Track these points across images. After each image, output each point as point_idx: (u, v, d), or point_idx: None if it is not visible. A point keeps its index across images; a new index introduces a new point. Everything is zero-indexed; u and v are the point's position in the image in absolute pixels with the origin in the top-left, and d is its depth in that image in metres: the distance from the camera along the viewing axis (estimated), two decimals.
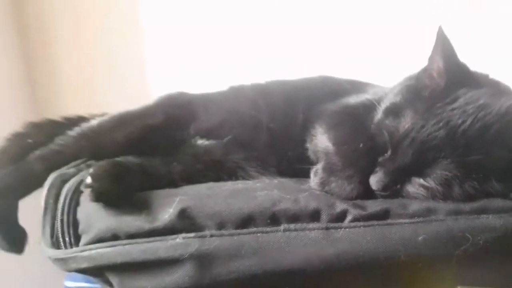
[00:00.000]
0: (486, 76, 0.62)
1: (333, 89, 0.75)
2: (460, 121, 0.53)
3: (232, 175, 0.69)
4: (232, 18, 1.18)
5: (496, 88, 0.58)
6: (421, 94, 0.58)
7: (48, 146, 0.74)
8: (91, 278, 0.61)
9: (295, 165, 0.67)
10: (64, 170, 0.65)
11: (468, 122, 0.53)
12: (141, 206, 0.57)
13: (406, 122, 0.56)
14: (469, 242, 0.50)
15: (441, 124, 0.53)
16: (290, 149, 0.69)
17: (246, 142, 0.72)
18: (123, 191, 0.58)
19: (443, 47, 0.57)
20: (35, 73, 1.27)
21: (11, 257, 0.72)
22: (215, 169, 0.69)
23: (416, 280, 0.54)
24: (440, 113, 0.54)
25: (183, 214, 0.55)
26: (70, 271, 0.58)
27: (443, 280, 0.54)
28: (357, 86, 0.76)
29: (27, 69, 1.26)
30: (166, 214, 0.55)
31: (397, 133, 0.56)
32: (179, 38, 1.21)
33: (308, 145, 0.68)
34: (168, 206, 0.56)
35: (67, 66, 1.27)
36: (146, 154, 0.71)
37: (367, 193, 0.58)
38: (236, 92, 0.79)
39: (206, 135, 0.73)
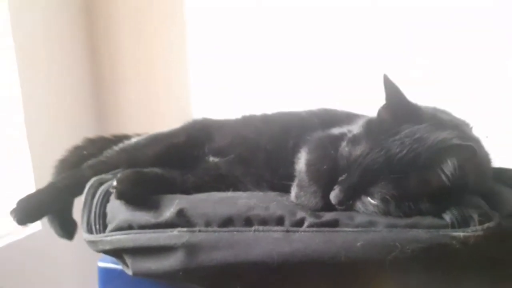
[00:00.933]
0: (430, 111, 0.72)
1: (325, 120, 0.87)
2: (397, 150, 0.64)
3: (233, 186, 0.83)
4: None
5: (434, 123, 0.67)
6: (375, 127, 0.70)
7: (97, 157, 0.94)
8: (115, 259, 0.79)
9: (284, 181, 0.80)
10: (103, 176, 0.84)
11: (404, 151, 0.63)
12: (152, 205, 0.74)
13: (358, 149, 0.68)
14: (398, 250, 0.60)
15: (382, 152, 0.65)
16: (281, 168, 0.83)
17: (247, 160, 0.86)
18: (141, 193, 0.76)
19: (387, 90, 0.68)
20: (102, 94, 1.53)
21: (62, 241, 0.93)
22: (220, 182, 0.84)
23: (358, 282, 0.66)
24: (383, 143, 0.65)
25: (180, 213, 0.71)
26: (98, 251, 0.76)
27: (383, 284, 0.65)
28: (351, 118, 0.88)
29: (95, 91, 1.53)
30: (168, 212, 0.71)
31: (351, 158, 0.68)
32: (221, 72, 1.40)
33: (295, 165, 0.81)
34: (171, 206, 0.72)
35: (130, 89, 1.52)
36: (169, 167, 0.89)
37: (330, 207, 0.71)
38: (245, 120, 0.96)
39: (217, 154, 0.89)
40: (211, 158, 0.89)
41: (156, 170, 0.86)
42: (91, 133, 1.08)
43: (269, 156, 0.86)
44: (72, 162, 0.97)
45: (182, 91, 1.44)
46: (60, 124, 1.36)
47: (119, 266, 0.80)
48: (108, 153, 0.93)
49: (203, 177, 0.86)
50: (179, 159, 0.90)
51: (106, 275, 0.84)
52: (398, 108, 0.68)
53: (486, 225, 0.60)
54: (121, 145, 0.95)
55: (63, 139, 1.04)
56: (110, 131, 1.13)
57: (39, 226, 1.22)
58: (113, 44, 1.51)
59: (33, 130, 1.26)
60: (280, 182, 0.80)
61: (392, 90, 0.68)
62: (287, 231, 0.66)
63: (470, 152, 0.61)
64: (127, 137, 1.00)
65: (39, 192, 0.88)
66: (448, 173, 0.61)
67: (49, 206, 0.88)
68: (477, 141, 0.73)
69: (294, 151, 0.82)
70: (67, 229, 0.92)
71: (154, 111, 1.35)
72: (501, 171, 0.79)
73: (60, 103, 1.39)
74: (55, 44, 1.38)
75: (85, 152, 0.98)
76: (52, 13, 1.37)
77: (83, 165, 0.92)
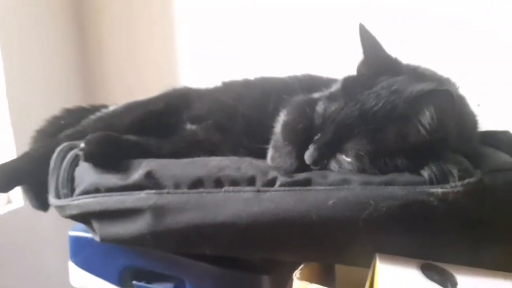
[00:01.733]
0: (412, 66, 0.68)
1: (309, 85, 0.83)
2: (373, 103, 0.60)
3: (209, 153, 0.80)
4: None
5: (414, 75, 0.64)
6: (352, 82, 0.66)
7: (75, 127, 0.91)
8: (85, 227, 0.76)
9: (263, 146, 0.76)
10: (76, 142, 0.81)
11: (380, 104, 0.60)
12: (121, 168, 0.71)
13: (333, 106, 0.64)
14: (372, 207, 0.57)
15: (357, 106, 0.61)
16: (260, 133, 0.79)
17: (225, 126, 0.83)
18: (110, 156, 0.73)
19: (363, 42, 0.65)
20: (88, 64, 1.52)
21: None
22: (196, 148, 0.81)
23: (333, 243, 0.62)
24: (358, 97, 0.62)
25: (149, 175, 0.68)
26: (66, 217, 0.74)
27: (359, 244, 0.61)
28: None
29: (82, 61, 1.51)
30: (136, 174, 0.69)
31: (325, 114, 0.64)
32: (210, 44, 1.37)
33: (274, 129, 0.78)
34: (140, 168, 0.69)
35: (117, 59, 1.51)
36: (147, 134, 0.86)
37: (306, 168, 0.67)
38: (226, 86, 0.92)
39: (195, 121, 0.86)
40: (189, 126, 0.86)
41: (131, 136, 0.83)
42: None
43: (248, 122, 0.83)
44: (49, 132, 0.94)
45: (170, 68, 1.41)
46: (44, 97, 1.34)
47: (90, 235, 0.77)
48: (85, 121, 0.91)
49: (179, 144, 0.83)
50: (156, 126, 0.87)
51: (76, 244, 0.82)
52: (375, 60, 0.64)
53: (466, 180, 0.56)
54: (98, 113, 0.92)
55: (47, 111, 1.02)
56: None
57: (21, 202, 1.20)
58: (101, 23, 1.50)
59: (15, 102, 1.23)
60: (258, 147, 0.77)
61: (368, 42, 0.64)
62: (258, 191, 0.63)
63: (447, 97, 0.56)
64: (105, 106, 0.97)
65: (13, 161, 0.86)
66: (425, 123, 0.57)
67: (24, 175, 0.85)
68: (461, 98, 0.69)
69: (274, 115, 0.78)
70: (41, 200, 0.89)
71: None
72: (489, 134, 0.75)
73: (45, 75, 1.37)
74: (39, 18, 1.36)
75: (62, 121, 0.95)
76: None
77: (60, 135, 0.90)
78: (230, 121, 0.84)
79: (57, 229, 1.16)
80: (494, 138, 0.73)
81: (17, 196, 1.20)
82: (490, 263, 0.59)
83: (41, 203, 0.89)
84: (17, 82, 1.26)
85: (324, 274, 0.70)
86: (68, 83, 1.48)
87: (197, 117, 0.86)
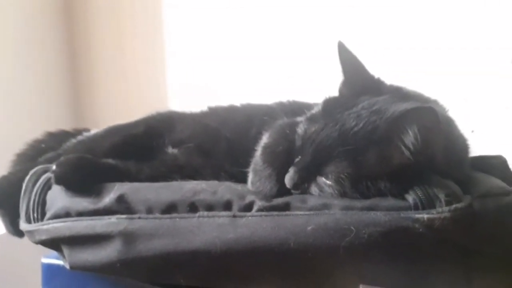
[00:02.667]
0: (395, 86, 0.65)
1: (293, 110, 0.80)
2: (353, 124, 0.57)
3: (190, 178, 0.76)
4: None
5: (397, 95, 0.61)
6: (332, 103, 0.64)
7: (56, 150, 0.89)
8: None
9: (245, 169, 0.73)
10: (50, 165, 0.78)
11: (361, 125, 0.57)
12: (93, 191, 0.67)
13: (313, 127, 0.61)
14: (353, 234, 0.53)
15: (337, 126, 0.58)
16: (242, 156, 0.76)
17: (207, 150, 0.80)
18: (84, 180, 0.69)
19: (343, 61, 0.62)
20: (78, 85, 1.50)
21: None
22: (176, 172, 0.77)
23: (313, 273, 0.58)
24: (338, 118, 0.59)
25: (120, 199, 0.65)
26: (36, 243, 0.70)
27: (341, 275, 0.57)
28: None
29: (72, 81, 1.50)
30: (108, 198, 0.65)
31: (305, 136, 0.61)
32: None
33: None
34: (112, 192, 0.66)
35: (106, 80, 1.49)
36: (127, 158, 0.83)
37: (286, 192, 0.63)
38: (211, 111, 0.90)
39: (176, 144, 0.83)
40: (171, 149, 0.83)
41: (110, 160, 0.80)
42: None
43: (231, 146, 0.80)
44: (30, 156, 0.92)
45: (160, 91, 1.40)
46: (29, 120, 1.32)
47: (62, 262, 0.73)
48: (66, 145, 0.88)
49: (159, 168, 0.79)
50: (137, 150, 0.84)
51: (49, 271, 0.78)
52: (356, 80, 0.62)
53: (454, 206, 0.52)
54: (79, 137, 0.90)
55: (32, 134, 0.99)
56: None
57: (2, 229, 1.16)
58: (91, 36, 1.51)
59: None
60: (239, 170, 0.73)
61: (348, 61, 0.62)
62: (234, 216, 0.59)
63: (431, 115, 0.53)
64: (87, 130, 0.95)
65: None
66: (409, 144, 0.54)
67: (0, 198, 0.82)
68: (450, 120, 0.65)
69: (257, 139, 0.75)
70: (17, 225, 0.86)
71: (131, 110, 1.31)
72: (481, 158, 0.71)
73: (31, 98, 1.35)
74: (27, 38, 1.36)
75: (43, 145, 0.93)
76: None
77: (40, 158, 0.87)
78: (213, 145, 0.81)
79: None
80: (486, 163, 0.70)
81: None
82: None
83: (17, 229, 0.85)
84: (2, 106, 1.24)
85: None
86: (56, 106, 1.46)
87: (179, 140, 0.83)
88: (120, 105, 1.49)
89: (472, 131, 0.93)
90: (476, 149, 0.76)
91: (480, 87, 0.95)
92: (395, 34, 1.05)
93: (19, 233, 0.85)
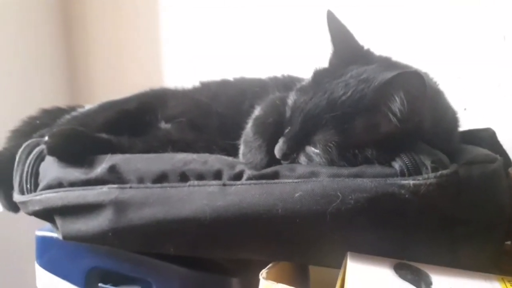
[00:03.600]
0: (384, 56, 0.65)
1: (287, 84, 0.81)
2: (341, 93, 0.57)
3: (182, 152, 0.77)
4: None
5: (385, 65, 0.61)
6: (322, 73, 0.64)
7: (50, 127, 0.89)
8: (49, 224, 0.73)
9: (236, 142, 0.74)
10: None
11: (348, 93, 0.57)
12: (85, 162, 0.68)
13: (302, 97, 0.61)
14: (339, 200, 0.53)
15: (325, 95, 0.58)
16: (234, 130, 0.77)
17: (199, 125, 0.81)
18: (76, 151, 0.70)
19: (332, 31, 0.62)
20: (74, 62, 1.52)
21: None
22: (169, 147, 0.78)
23: (302, 239, 0.59)
24: (327, 87, 0.59)
25: (112, 169, 0.65)
26: (29, 214, 0.71)
27: (328, 242, 0.58)
28: None
29: (68, 59, 1.51)
30: (100, 168, 0.66)
31: (295, 106, 0.62)
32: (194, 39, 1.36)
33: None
34: (104, 162, 0.67)
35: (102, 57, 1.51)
36: (120, 134, 0.83)
37: (277, 163, 0.64)
38: (203, 86, 0.90)
39: (169, 120, 0.83)
40: (163, 125, 0.84)
41: (104, 134, 0.80)
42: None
43: (223, 120, 0.80)
44: (24, 132, 0.92)
45: (156, 68, 1.40)
46: (26, 98, 1.33)
47: (55, 234, 0.74)
48: (60, 121, 0.88)
49: (152, 143, 0.79)
50: (130, 125, 0.84)
51: (43, 244, 0.79)
52: (344, 49, 0.62)
53: (439, 172, 0.53)
54: (73, 113, 0.90)
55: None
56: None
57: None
58: (87, 16, 1.51)
59: None
60: (230, 143, 0.74)
61: (337, 31, 0.62)
62: (224, 184, 0.60)
63: (417, 79, 0.53)
64: (82, 106, 0.95)
65: None
66: (396, 110, 0.54)
67: None
68: (439, 92, 0.66)
69: (249, 113, 0.76)
70: (13, 201, 0.87)
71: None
72: (470, 132, 0.72)
73: (27, 76, 1.36)
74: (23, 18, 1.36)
75: (38, 121, 0.93)
76: None
77: (34, 135, 0.87)
78: (205, 119, 0.81)
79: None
80: (475, 136, 0.70)
81: None
82: (468, 264, 0.56)
83: (11, 204, 0.86)
84: None
85: (297, 276, 0.66)
86: (52, 85, 1.47)
87: (171, 116, 0.84)
88: (116, 82, 1.49)
89: (465, 109, 0.94)
90: (469, 126, 0.77)
91: (473, 65, 0.95)
92: (388, 12, 1.05)
93: (14, 208, 0.86)
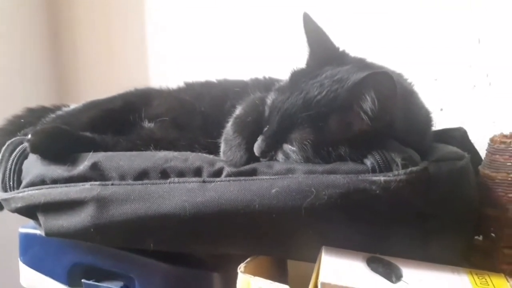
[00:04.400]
0: (359, 58, 0.68)
1: (268, 85, 0.83)
2: (316, 92, 0.59)
3: (164, 150, 0.79)
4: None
5: (359, 66, 0.63)
6: (299, 74, 0.66)
7: (34, 125, 0.90)
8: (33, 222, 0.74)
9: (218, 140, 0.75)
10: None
11: (323, 93, 0.59)
12: (68, 159, 0.69)
13: (280, 97, 0.63)
14: (313, 195, 0.55)
15: (301, 95, 0.60)
16: (216, 129, 0.78)
17: (182, 124, 0.82)
18: (59, 149, 0.71)
19: (308, 33, 0.65)
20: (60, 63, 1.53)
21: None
22: (152, 145, 0.79)
23: (278, 234, 0.61)
24: (303, 87, 0.61)
25: (94, 166, 0.67)
26: (12, 211, 0.72)
27: (304, 236, 0.60)
28: None
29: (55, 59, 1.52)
30: (82, 165, 0.67)
31: (272, 105, 0.64)
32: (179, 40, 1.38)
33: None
34: (86, 160, 0.68)
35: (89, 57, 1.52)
36: (104, 132, 0.84)
37: (256, 161, 0.66)
38: (187, 86, 0.92)
39: (152, 119, 0.85)
40: (147, 124, 0.85)
41: (87, 133, 0.82)
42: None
43: (206, 119, 0.82)
44: (9, 131, 0.92)
45: (142, 69, 1.42)
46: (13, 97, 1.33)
47: (38, 231, 0.75)
48: (45, 120, 0.89)
49: (135, 142, 0.81)
50: (114, 124, 0.85)
51: (26, 241, 0.80)
52: (320, 51, 0.64)
53: (409, 169, 0.55)
54: (58, 112, 0.91)
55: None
56: None
57: None
58: (74, 16, 1.53)
59: None
60: (213, 142, 0.76)
61: (313, 32, 0.64)
62: (203, 181, 0.62)
63: (387, 79, 0.55)
64: (67, 106, 0.96)
65: None
66: (367, 109, 0.56)
67: None
68: (412, 92, 0.68)
69: (230, 112, 0.78)
70: None
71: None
72: (442, 131, 0.74)
73: (15, 75, 1.36)
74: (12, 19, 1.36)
75: (22, 120, 0.94)
76: None
77: (19, 133, 0.88)
78: (188, 118, 0.83)
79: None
80: (447, 135, 0.73)
81: None
82: (439, 257, 0.58)
83: None
84: None
85: (275, 269, 0.68)
86: (38, 84, 1.47)
87: (155, 114, 0.85)
88: (103, 83, 1.50)
89: (441, 109, 0.97)
90: (446, 125, 0.79)
91: (449, 67, 0.98)
92: (365, 14, 1.07)
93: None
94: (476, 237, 0.67)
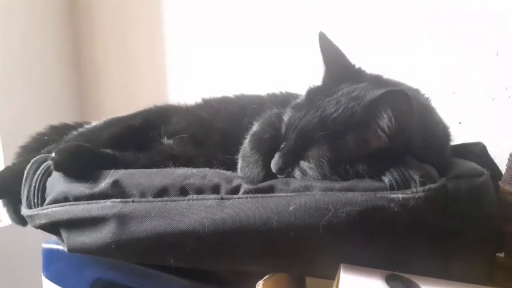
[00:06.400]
0: (375, 75, 0.68)
1: (285, 101, 0.84)
2: (333, 110, 0.60)
3: (183, 167, 0.80)
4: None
5: (375, 83, 0.63)
6: (315, 91, 0.67)
7: (57, 142, 0.92)
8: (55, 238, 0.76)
9: (235, 157, 0.76)
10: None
11: (339, 111, 0.59)
12: (90, 177, 0.71)
13: (297, 114, 0.64)
14: (331, 213, 0.56)
15: (317, 112, 0.61)
16: (234, 145, 0.79)
17: (200, 140, 0.84)
18: (82, 167, 0.73)
19: (324, 51, 0.65)
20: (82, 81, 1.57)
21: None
22: (171, 162, 0.81)
23: (296, 251, 0.61)
24: (319, 104, 0.62)
25: (115, 183, 0.68)
26: (36, 227, 0.74)
27: (322, 254, 0.60)
28: None
29: (77, 78, 1.57)
30: (103, 183, 0.69)
31: (289, 123, 0.65)
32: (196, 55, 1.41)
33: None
34: (107, 177, 0.69)
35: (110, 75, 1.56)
36: (125, 149, 0.86)
37: (273, 177, 0.66)
38: (205, 102, 0.93)
39: (171, 135, 0.86)
40: (166, 140, 0.87)
41: (108, 150, 0.83)
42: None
43: (223, 136, 0.83)
44: (33, 148, 0.95)
45: (161, 85, 1.44)
46: (35, 115, 1.37)
47: (61, 247, 0.77)
48: (67, 137, 0.92)
49: (154, 158, 0.82)
50: (134, 141, 0.87)
51: (49, 256, 0.82)
52: (336, 68, 0.65)
53: (428, 186, 0.55)
54: (80, 129, 0.93)
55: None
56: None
57: (8, 221, 1.20)
58: (95, 35, 1.57)
59: (5, 121, 1.26)
60: (230, 158, 0.76)
61: (329, 51, 0.65)
62: (221, 198, 0.63)
63: (403, 97, 0.55)
64: (88, 123, 0.99)
65: None
66: (384, 127, 0.56)
67: (3, 189, 0.86)
68: (429, 107, 0.68)
69: (248, 128, 0.79)
70: (21, 215, 0.90)
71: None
72: (461, 146, 0.74)
73: (37, 93, 1.41)
74: (34, 36, 1.40)
75: (46, 137, 0.96)
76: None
77: (42, 150, 0.91)
78: (206, 135, 0.84)
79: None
80: (466, 150, 0.72)
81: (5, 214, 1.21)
82: (460, 275, 0.57)
83: (20, 218, 0.89)
84: (9, 102, 1.29)
85: (294, 287, 0.68)
86: (60, 102, 1.51)
87: (174, 131, 0.87)
88: (123, 100, 1.53)
89: (460, 123, 0.96)
90: (464, 139, 0.79)
91: (467, 80, 0.97)
92: (383, 29, 1.08)
93: (22, 221, 0.89)
94: (497, 254, 0.66)
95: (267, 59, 1.27)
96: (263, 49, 1.28)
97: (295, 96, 0.87)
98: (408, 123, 0.57)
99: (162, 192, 0.66)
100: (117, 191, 0.67)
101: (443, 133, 0.69)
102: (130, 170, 0.71)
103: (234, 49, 1.33)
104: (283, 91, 0.91)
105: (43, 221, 0.71)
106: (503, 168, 0.68)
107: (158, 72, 1.47)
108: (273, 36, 1.26)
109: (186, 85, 1.44)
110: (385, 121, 0.56)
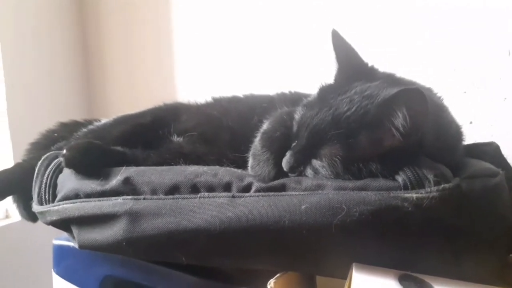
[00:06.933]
0: (388, 73, 0.67)
1: (294, 100, 0.83)
2: (346, 108, 0.60)
3: (194, 164, 0.80)
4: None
5: (389, 81, 0.63)
6: (327, 89, 0.66)
7: (67, 139, 0.93)
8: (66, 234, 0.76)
9: (245, 155, 0.76)
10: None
11: (353, 109, 0.59)
12: (101, 174, 0.71)
13: (309, 112, 0.64)
14: (344, 212, 0.55)
15: (330, 111, 0.61)
16: (244, 144, 0.79)
17: (210, 139, 0.84)
18: (93, 164, 0.73)
19: (337, 49, 0.65)
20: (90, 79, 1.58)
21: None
22: (181, 159, 0.81)
23: (308, 250, 0.60)
24: (332, 103, 0.61)
25: (127, 181, 0.68)
26: (47, 223, 0.74)
27: (334, 253, 0.59)
28: None
29: (85, 76, 1.58)
30: (115, 180, 0.69)
31: (301, 121, 0.64)
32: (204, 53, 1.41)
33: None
34: (118, 174, 0.70)
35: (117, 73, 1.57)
36: (135, 146, 0.86)
37: (284, 176, 0.66)
38: (215, 101, 0.93)
39: (181, 133, 0.86)
40: (176, 138, 0.87)
41: (118, 147, 0.84)
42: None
43: (233, 134, 0.83)
44: (43, 145, 0.96)
45: (168, 83, 1.45)
46: (45, 112, 1.38)
47: (72, 243, 0.77)
48: (77, 134, 0.92)
49: (164, 155, 0.83)
50: (144, 138, 0.88)
51: (59, 252, 0.82)
52: (349, 66, 0.64)
53: (442, 186, 0.54)
54: (90, 126, 0.94)
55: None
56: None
57: (18, 217, 1.20)
58: (103, 34, 1.58)
59: (15, 118, 1.26)
60: (240, 157, 0.76)
61: (341, 48, 0.64)
62: (233, 196, 0.62)
63: (418, 96, 0.54)
64: (98, 120, 0.99)
65: (4, 171, 0.87)
66: (399, 126, 0.56)
67: (14, 184, 0.86)
68: (442, 106, 0.67)
69: (257, 127, 0.78)
70: (30, 210, 0.90)
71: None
72: (474, 146, 0.73)
73: (46, 92, 1.41)
74: (43, 36, 1.41)
75: (56, 134, 0.97)
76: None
77: (52, 147, 0.91)
78: (216, 133, 0.84)
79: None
80: (479, 150, 0.72)
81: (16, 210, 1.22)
82: (472, 275, 0.56)
83: (30, 214, 0.90)
84: (19, 99, 1.30)
85: (304, 286, 0.68)
86: (70, 99, 1.52)
87: (184, 129, 0.87)
88: (131, 97, 1.53)
89: (471, 122, 0.95)
90: (475, 139, 0.78)
91: (478, 79, 0.97)
92: (396, 28, 1.07)
93: (32, 218, 0.89)
94: (511, 254, 0.65)
95: (275, 58, 1.27)
96: (271, 48, 1.27)
97: (304, 96, 0.87)
98: (422, 122, 0.57)
99: (173, 190, 0.66)
100: (129, 188, 0.67)
101: (456, 132, 0.68)
102: (141, 168, 0.71)
103: (243, 49, 1.33)
104: (292, 91, 0.91)
105: (54, 218, 0.71)
106: None
107: (166, 71, 1.47)
108: (282, 35, 1.25)
109: (193, 84, 1.44)
110: (400, 120, 0.55)
